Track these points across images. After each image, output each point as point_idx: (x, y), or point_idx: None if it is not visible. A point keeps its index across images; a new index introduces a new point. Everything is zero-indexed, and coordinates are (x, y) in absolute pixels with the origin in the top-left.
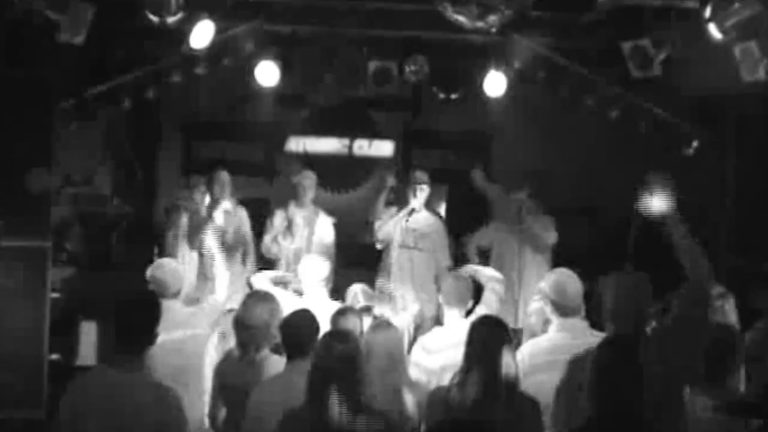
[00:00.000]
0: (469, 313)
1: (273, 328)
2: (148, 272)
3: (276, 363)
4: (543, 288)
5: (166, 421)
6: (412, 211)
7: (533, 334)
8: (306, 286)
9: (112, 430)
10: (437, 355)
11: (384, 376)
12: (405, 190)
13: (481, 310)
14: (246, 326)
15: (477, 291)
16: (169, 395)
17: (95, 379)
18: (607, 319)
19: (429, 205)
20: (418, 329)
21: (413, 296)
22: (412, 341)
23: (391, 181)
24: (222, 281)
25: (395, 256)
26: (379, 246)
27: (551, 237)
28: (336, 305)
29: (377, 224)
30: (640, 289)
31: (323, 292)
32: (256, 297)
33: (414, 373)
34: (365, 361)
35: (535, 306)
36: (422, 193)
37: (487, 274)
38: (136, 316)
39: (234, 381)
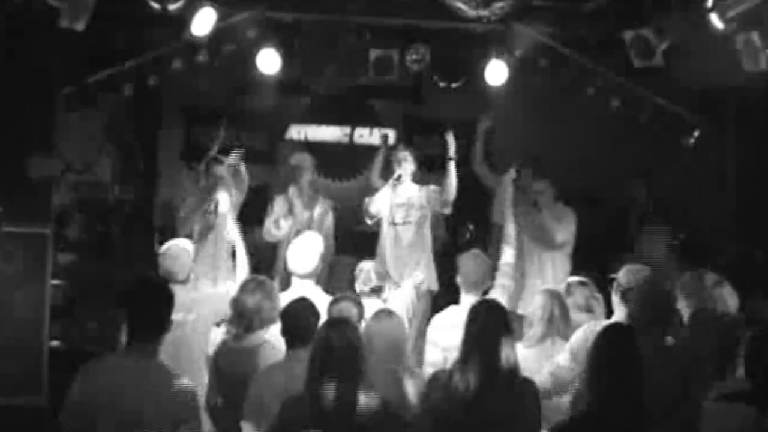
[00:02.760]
0: (485, 294)
1: (267, 312)
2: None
3: (270, 350)
4: (623, 281)
5: (179, 411)
6: (399, 177)
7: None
8: (293, 278)
9: (124, 419)
10: (451, 332)
11: (384, 364)
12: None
13: (494, 294)
14: (239, 310)
15: None
16: (183, 385)
17: (109, 366)
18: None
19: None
20: (420, 301)
21: (412, 270)
22: (413, 317)
23: (391, 139)
24: (241, 270)
25: (385, 233)
26: (369, 222)
27: (560, 235)
28: (325, 297)
29: (367, 201)
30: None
31: (310, 284)
32: (250, 282)
33: (430, 351)
34: (366, 349)
35: (540, 299)
36: (406, 163)
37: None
38: (149, 304)
39: (230, 368)
